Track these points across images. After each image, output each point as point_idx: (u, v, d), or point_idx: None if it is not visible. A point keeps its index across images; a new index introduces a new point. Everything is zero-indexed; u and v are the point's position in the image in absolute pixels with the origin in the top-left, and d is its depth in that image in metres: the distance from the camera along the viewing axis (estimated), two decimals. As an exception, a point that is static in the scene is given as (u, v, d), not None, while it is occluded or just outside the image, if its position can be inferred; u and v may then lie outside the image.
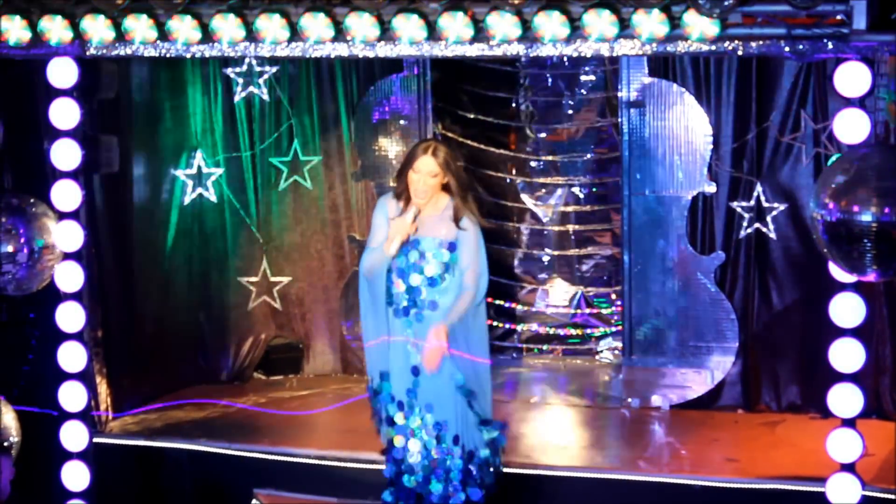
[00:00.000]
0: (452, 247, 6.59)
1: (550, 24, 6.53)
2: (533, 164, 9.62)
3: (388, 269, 6.59)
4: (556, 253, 9.63)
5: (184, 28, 6.99)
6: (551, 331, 9.64)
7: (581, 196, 9.57)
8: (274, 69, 9.17)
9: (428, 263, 6.57)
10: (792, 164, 8.36)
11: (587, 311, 9.61)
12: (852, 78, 6.45)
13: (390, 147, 9.05)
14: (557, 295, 9.66)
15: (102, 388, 8.22)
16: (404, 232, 6.51)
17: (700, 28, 6.40)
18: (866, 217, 6.06)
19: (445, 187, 6.59)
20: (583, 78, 9.47)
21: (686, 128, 8.49)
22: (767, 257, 8.51)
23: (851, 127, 6.50)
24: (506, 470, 6.93)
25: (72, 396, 7.88)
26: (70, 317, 7.83)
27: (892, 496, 6.95)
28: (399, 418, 6.69)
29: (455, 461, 6.65)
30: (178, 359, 9.20)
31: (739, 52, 6.59)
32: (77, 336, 7.86)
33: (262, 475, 7.81)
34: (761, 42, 6.51)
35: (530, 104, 9.58)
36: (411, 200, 6.56)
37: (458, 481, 6.65)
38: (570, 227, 9.59)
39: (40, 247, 7.67)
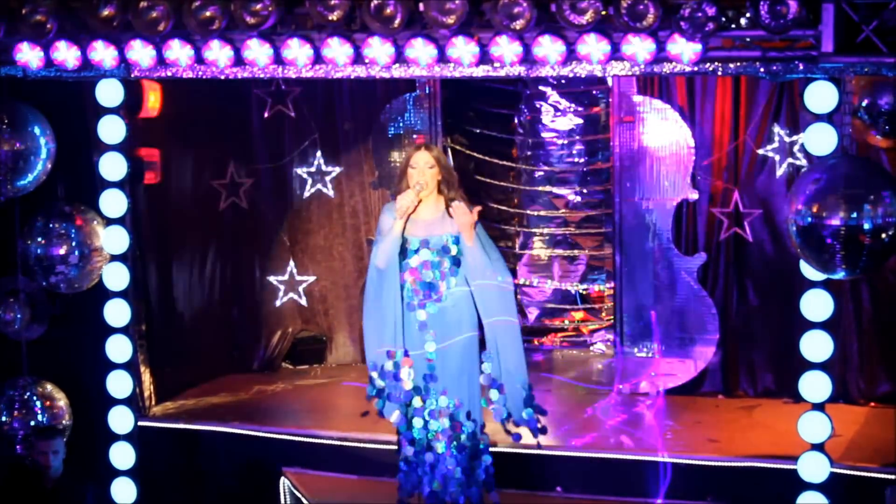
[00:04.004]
0: (457, 240, 6.53)
1: (549, 48, 6.51)
2: (534, 173, 9.60)
3: (400, 267, 6.55)
4: (554, 253, 9.60)
5: (219, 52, 6.99)
6: (550, 324, 9.62)
7: (577, 202, 9.54)
8: (299, 89, 9.16)
9: (437, 259, 6.54)
10: (767, 173, 8.33)
11: (582, 306, 9.58)
12: (821, 96, 6.44)
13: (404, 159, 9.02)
14: (556, 292, 9.63)
15: (146, 376, 8.20)
16: (409, 201, 6.44)
17: (684, 51, 6.38)
18: (835, 221, 6.07)
19: (441, 191, 6.55)
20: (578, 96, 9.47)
21: (671, 141, 8.46)
22: (744, 258, 8.48)
23: (821, 140, 6.49)
24: (509, 449, 6.90)
25: (119, 384, 7.88)
26: (117, 313, 7.84)
27: (858, 473, 6.93)
28: (417, 401, 6.64)
29: (468, 434, 6.61)
30: (214, 350, 9.19)
31: (719, 73, 6.57)
32: (123, 330, 7.86)
33: (290, 455, 7.80)
34: (739, 63, 6.49)
35: (530, 121, 9.55)
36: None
37: (470, 454, 6.61)
38: (567, 231, 9.56)
39: (90, 249, 7.67)
